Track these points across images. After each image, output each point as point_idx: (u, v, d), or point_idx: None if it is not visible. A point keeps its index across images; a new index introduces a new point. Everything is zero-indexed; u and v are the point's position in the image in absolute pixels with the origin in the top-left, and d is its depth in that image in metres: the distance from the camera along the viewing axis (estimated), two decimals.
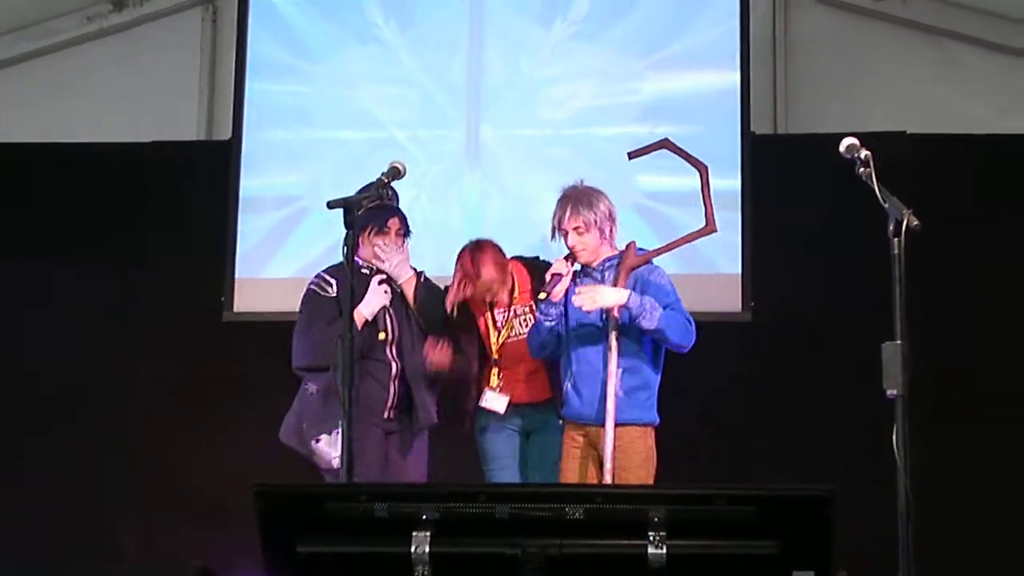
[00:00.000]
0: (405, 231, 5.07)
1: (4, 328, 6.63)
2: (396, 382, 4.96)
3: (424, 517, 2.50)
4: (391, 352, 4.98)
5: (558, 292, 4.71)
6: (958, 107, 6.50)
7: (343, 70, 6.72)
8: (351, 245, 3.97)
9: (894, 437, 3.61)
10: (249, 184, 6.47)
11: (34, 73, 7.14)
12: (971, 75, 6.59)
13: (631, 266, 4.72)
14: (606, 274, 4.77)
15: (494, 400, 5.07)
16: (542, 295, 4.71)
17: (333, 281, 4.95)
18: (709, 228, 4.73)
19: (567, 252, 4.78)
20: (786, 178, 6.28)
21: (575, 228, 4.74)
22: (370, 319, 4.92)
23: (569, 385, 4.79)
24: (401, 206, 5.14)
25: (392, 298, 4.99)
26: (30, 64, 7.14)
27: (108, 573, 6.24)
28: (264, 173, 6.55)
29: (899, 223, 3.67)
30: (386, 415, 4.95)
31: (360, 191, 4.49)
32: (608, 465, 4.53)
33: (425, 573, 2.48)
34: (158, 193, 6.70)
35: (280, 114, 6.70)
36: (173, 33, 7.09)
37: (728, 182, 6.25)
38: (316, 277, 5.05)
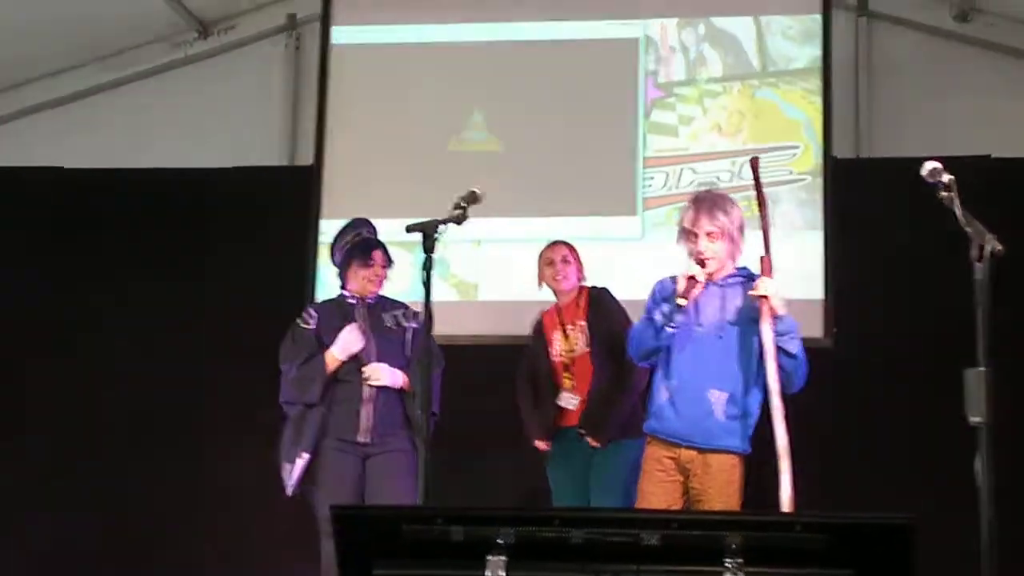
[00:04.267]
0: (387, 262, 5.08)
1: (84, 345, 6.73)
2: (372, 404, 4.88)
3: (500, 541, 2.50)
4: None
5: (692, 298, 4.35)
6: None
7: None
8: (429, 269, 3.97)
9: (976, 466, 3.55)
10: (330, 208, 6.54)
11: (121, 100, 7.27)
12: None
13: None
14: (727, 291, 4.42)
15: (568, 399, 5.24)
16: (681, 301, 4.29)
17: (315, 314, 5.05)
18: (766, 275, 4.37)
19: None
20: (868, 202, 6.23)
21: (708, 233, 4.35)
22: (344, 359, 4.90)
23: (664, 398, 4.39)
24: None
25: (367, 326, 4.97)
26: (117, 91, 7.28)
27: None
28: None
29: (981, 248, 3.62)
30: (361, 439, 4.86)
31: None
32: (786, 494, 4.11)
33: None
34: (241, 217, 6.78)
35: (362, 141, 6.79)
36: (257, 60, 7.22)
37: None
38: (304, 311, 5.11)
